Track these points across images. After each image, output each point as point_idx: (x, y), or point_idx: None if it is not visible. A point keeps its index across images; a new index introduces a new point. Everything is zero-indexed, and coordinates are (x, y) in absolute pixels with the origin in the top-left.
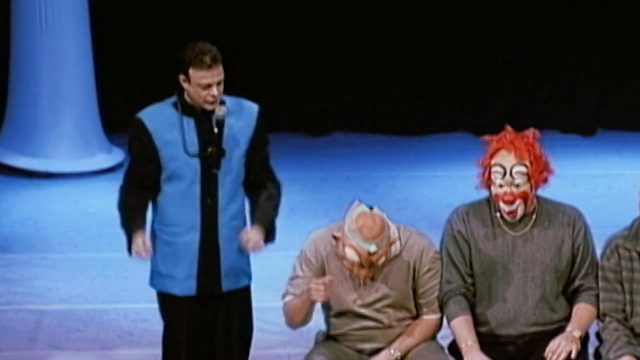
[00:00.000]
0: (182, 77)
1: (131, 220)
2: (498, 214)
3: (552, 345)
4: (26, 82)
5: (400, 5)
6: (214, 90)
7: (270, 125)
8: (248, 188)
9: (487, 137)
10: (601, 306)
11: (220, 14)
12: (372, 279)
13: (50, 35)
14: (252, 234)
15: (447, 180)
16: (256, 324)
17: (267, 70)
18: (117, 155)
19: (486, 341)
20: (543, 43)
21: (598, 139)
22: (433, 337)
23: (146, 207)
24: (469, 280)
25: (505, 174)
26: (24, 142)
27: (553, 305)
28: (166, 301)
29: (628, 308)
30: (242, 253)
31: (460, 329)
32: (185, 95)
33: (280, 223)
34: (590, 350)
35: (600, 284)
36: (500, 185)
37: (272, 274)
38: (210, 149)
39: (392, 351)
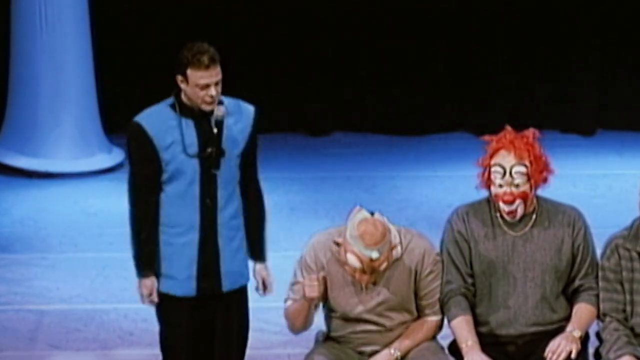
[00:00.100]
0: (179, 77)
1: (146, 251)
2: (498, 214)
3: (552, 345)
4: (26, 82)
5: (400, 5)
6: (212, 91)
7: (270, 125)
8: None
9: (487, 137)
10: (601, 306)
11: (220, 14)
12: (374, 283)
13: (50, 35)
14: (265, 277)
15: (447, 180)
16: (256, 324)
17: (267, 70)
18: (117, 155)
19: (486, 341)
20: (543, 43)
21: (598, 139)
22: (433, 337)
23: (156, 214)
24: (469, 280)
25: (505, 174)
26: (24, 142)
27: (553, 305)
28: (166, 302)
29: (628, 308)
30: (240, 253)
31: (461, 329)
32: (183, 96)
33: (280, 223)
34: (590, 350)
35: (600, 284)
36: (500, 185)
37: (272, 274)
38: (209, 149)
39: (392, 351)
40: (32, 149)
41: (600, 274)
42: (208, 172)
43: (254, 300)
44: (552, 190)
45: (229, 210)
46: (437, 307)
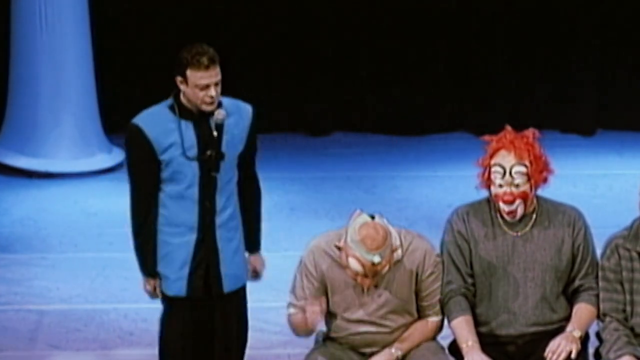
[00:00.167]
0: (179, 78)
1: (146, 251)
2: (498, 214)
3: (552, 345)
4: (26, 82)
5: (400, 5)
6: (212, 91)
7: (270, 125)
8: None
9: (487, 137)
10: (601, 306)
11: (220, 14)
12: (376, 286)
13: (50, 35)
14: (259, 266)
15: (447, 180)
16: (256, 324)
17: (267, 70)
18: (117, 155)
19: (486, 341)
20: (543, 43)
21: (598, 139)
22: (434, 337)
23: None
24: (470, 280)
25: (505, 173)
26: (24, 142)
27: (553, 305)
28: (169, 302)
29: (628, 308)
30: (239, 253)
31: (461, 329)
32: (182, 98)
33: (280, 223)
34: (590, 350)
35: (600, 284)
36: (500, 185)
37: (272, 274)
38: (209, 152)
39: (393, 350)
40: (32, 149)
41: (600, 274)
42: (208, 174)
43: (254, 300)
44: (552, 190)
45: (228, 211)
46: (438, 307)
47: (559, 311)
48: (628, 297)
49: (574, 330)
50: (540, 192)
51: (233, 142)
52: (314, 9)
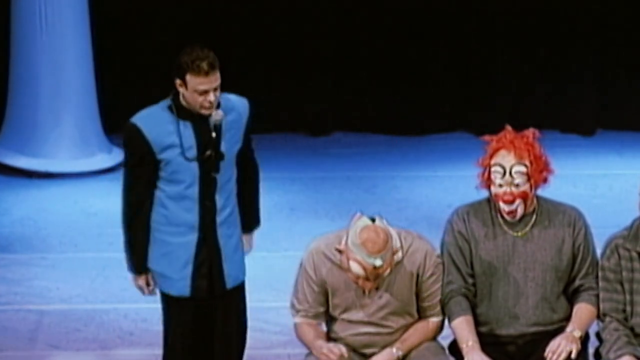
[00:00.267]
0: (178, 81)
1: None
2: (498, 214)
3: (552, 345)
4: (26, 82)
5: (400, 5)
6: (211, 96)
7: (270, 125)
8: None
9: (487, 137)
10: (601, 306)
11: (220, 13)
12: (377, 287)
13: (50, 35)
14: (250, 244)
15: (447, 180)
16: (256, 324)
17: (267, 70)
18: (117, 155)
19: (486, 341)
20: (543, 43)
21: (598, 139)
22: (434, 338)
23: (149, 213)
24: (470, 280)
25: (504, 173)
26: (24, 142)
27: (553, 305)
28: (169, 301)
29: (628, 308)
30: (239, 249)
31: (461, 329)
32: (181, 99)
33: (280, 223)
34: (590, 350)
35: (600, 284)
36: (500, 185)
37: (272, 274)
38: (208, 153)
39: (394, 350)
40: (32, 149)
41: (600, 274)
42: (207, 175)
43: (254, 300)
44: (552, 190)
45: (228, 209)
46: (439, 308)
47: (559, 311)
48: (628, 297)
49: (574, 330)
50: (540, 192)
51: (232, 140)
52: (314, 9)
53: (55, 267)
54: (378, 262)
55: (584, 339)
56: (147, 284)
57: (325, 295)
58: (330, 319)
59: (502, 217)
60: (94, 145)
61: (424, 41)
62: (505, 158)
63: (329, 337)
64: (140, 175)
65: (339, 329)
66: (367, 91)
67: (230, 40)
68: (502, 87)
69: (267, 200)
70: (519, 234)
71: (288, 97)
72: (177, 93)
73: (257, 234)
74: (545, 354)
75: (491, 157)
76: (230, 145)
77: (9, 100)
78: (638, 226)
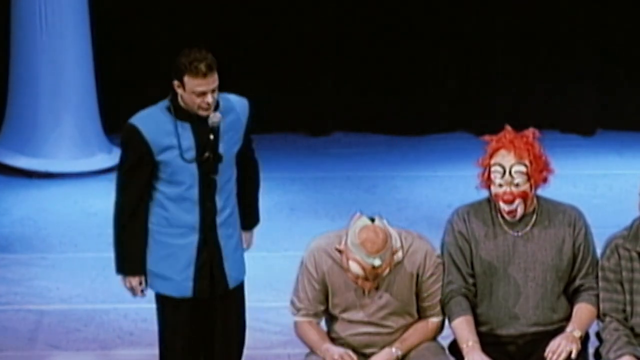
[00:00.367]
0: (176, 82)
1: (132, 249)
2: (498, 214)
3: (552, 345)
4: (26, 82)
5: (400, 6)
6: (209, 98)
7: (270, 125)
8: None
9: (487, 137)
10: (601, 306)
11: (220, 13)
12: (377, 287)
13: (50, 35)
14: (249, 242)
15: (447, 180)
16: (256, 324)
17: (267, 70)
18: (117, 155)
19: (487, 341)
20: (543, 43)
21: (598, 139)
22: (434, 338)
23: (144, 217)
24: (470, 280)
25: (504, 173)
26: (24, 142)
27: (554, 305)
28: (166, 303)
29: (628, 308)
30: (239, 249)
31: (462, 329)
32: (179, 100)
33: (280, 223)
34: (590, 350)
35: (600, 284)
36: (500, 185)
37: (272, 274)
38: (207, 155)
39: (393, 350)
40: (32, 149)
41: (600, 274)
42: (207, 176)
43: (254, 300)
44: (552, 190)
45: (228, 209)
46: (439, 308)
47: (560, 311)
48: (628, 297)
49: (574, 330)
50: (540, 192)
51: (231, 141)
52: (314, 9)
53: (55, 267)
54: (377, 262)
55: (584, 339)
56: (140, 282)
57: (325, 293)
58: (330, 318)
59: (502, 217)
60: (94, 145)
61: (424, 41)
62: (505, 158)
63: (330, 337)
64: (138, 176)
65: (339, 328)
66: (367, 91)
67: (230, 40)
68: (502, 87)
69: (267, 200)
70: (520, 233)
71: (288, 97)
72: (175, 94)
73: (257, 234)
74: (546, 354)
75: (491, 157)
76: (229, 147)
77: (9, 100)
78: (638, 226)
